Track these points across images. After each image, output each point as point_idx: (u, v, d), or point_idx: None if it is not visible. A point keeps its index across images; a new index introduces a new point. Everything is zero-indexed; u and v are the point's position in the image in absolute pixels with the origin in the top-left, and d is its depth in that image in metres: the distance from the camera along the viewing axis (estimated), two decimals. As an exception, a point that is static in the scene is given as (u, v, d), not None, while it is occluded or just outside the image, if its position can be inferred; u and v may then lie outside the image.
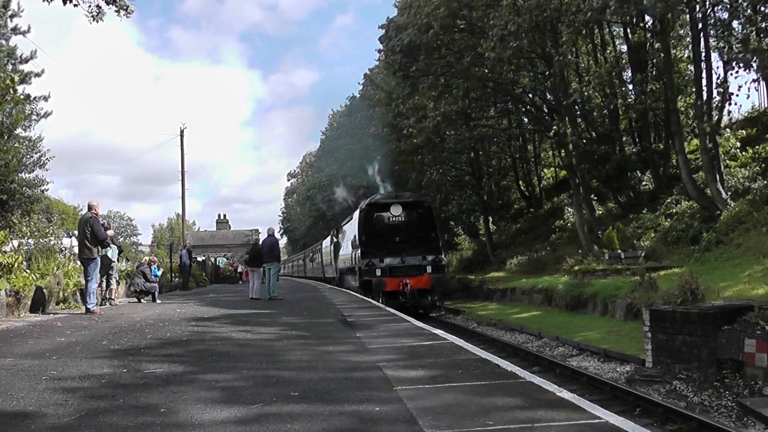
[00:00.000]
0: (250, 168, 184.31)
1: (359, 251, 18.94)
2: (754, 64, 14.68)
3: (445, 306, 21.17)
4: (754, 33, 15.29)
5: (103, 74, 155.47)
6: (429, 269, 18.17)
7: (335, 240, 26.81)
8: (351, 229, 21.70)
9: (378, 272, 17.99)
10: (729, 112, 17.82)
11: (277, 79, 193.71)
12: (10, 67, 19.51)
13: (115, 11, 11.32)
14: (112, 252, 12.83)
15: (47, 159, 20.85)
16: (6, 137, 18.45)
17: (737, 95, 16.07)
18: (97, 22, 11.25)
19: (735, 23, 15.87)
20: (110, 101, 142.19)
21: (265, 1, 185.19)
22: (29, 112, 20.25)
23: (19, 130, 19.73)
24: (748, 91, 18.97)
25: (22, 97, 19.45)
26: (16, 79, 18.06)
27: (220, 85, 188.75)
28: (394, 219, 18.89)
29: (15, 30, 20.55)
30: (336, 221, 35.39)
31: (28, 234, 14.43)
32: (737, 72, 15.61)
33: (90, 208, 11.30)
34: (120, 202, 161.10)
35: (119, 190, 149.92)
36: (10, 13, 20.10)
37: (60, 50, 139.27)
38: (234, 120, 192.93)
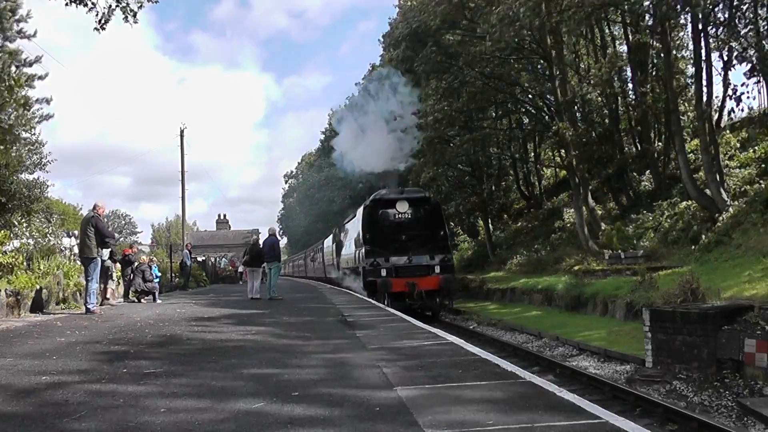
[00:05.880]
0: (262, 169, 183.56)
1: (363, 250, 18.06)
2: (756, 64, 14.69)
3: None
4: (755, 37, 15.28)
5: (122, 77, 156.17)
6: (437, 269, 17.18)
7: (337, 239, 25.96)
8: (354, 227, 20.82)
9: (383, 272, 17.02)
10: (732, 111, 17.74)
11: (291, 81, 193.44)
12: (14, 69, 19.45)
13: (123, 18, 11.44)
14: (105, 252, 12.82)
15: (48, 162, 20.86)
16: (7, 138, 18.42)
17: (739, 95, 15.90)
18: (103, 29, 11.46)
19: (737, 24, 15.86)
20: (126, 104, 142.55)
21: (293, 8, 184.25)
22: (30, 115, 20.21)
23: (25, 135, 19.73)
24: (750, 92, 18.87)
25: (23, 100, 19.42)
26: (22, 81, 18.06)
27: (234, 88, 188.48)
28: (400, 216, 17.93)
29: (20, 33, 20.53)
30: (336, 219, 35.28)
31: (29, 234, 14.45)
32: (748, 84, 15.59)
33: (94, 208, 11.39)
34: (129, 203, 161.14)
35: (129, 190, 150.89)
36: (17, 17, 20.06)
37: (89, 57, 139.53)
38: (247, 122, 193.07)
